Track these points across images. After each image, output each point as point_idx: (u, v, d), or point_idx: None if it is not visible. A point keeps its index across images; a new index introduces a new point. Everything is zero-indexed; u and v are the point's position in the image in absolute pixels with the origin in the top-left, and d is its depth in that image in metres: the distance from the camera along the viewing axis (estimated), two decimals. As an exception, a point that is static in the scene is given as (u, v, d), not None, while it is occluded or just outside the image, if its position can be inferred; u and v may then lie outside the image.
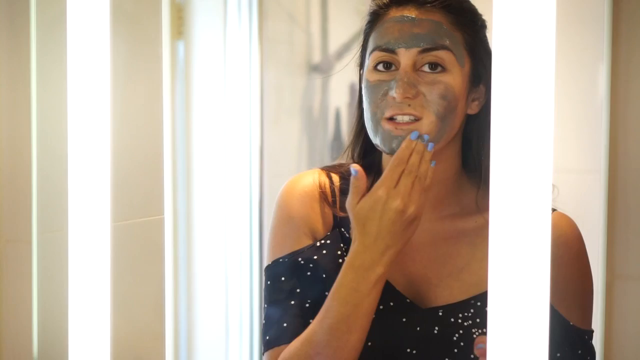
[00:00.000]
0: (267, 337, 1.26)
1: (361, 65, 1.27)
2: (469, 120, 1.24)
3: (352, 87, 2.83)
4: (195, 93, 2.51)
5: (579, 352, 1.15)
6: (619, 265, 0.90)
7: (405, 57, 1.18)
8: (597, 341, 0.93)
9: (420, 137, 1.16)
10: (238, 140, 2.58)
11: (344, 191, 1.29)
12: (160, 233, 1.19)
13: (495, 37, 0.85)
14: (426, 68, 1.18)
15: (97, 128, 1.05)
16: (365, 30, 1.26)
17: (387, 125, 1.18)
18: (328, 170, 1.33)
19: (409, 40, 1.18)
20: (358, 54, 1.28)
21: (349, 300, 1.17)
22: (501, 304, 0.85)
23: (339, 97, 2.75)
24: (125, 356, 1.08)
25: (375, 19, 1.24)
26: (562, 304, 1.17)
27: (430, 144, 1.16)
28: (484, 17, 1.24)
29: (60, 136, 1.06)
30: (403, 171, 1.16)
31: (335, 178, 1.31)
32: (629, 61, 0.89)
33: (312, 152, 2.80)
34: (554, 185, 1.23)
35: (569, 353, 1.17)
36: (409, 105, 1.17)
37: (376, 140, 1.21)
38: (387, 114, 1.18)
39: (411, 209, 1.15)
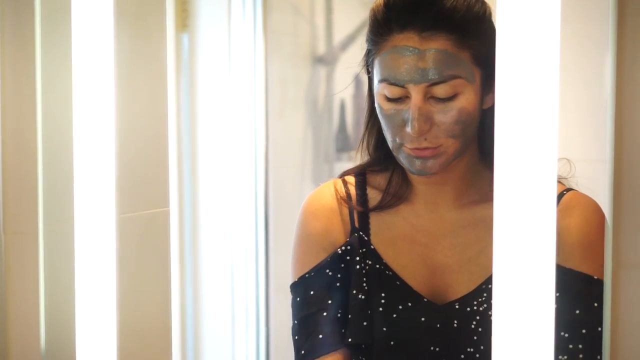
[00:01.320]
0: (303, 352, 1.26)
1: (367, 67, 1.25)
2: (483, 112, 1.22)
3: (357, 79, 2.82)
4: (200, 85, 2.51)
5: None
6: (625, 254, 0.90)
7: (415, 91, 1.16)
8: (603, 329, 0.93)
9: None
10: (243, 132, 2.59)
11: (360, 187, 1.31)
12: (166, 225, 1.19)
13: (500, 28, 0.85)
14: (437, 96, 1.16)
15: (102, 120, 1.05)
16: (368, 45, 1.22)
17: (410, 151, 1.19)
18: (344, 174, 1.34)
19: (415, 76, 1.16)
20: (364, 58, 1.25)
21: None
22: (506, 287, 0.85)
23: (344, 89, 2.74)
24: (132, 348, 1.08)
25: (376, 38, 1.20)
26: (589, 264, 1.17)
27: None
28: (487, 7, 1.20)
29: (65, 129, 1.06)
30: None
31: (350, 179, 1.32)
32: (634, 49, 0.89)
33: (317, 144, 2.80)
34: (569, 160, 1.24)
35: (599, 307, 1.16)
36: (425, 139, 1.17)
37: (399, 157, 1.21)
38: (408, 145, 1.18)
39: None
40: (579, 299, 1.16)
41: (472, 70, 1.17)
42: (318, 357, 1.25)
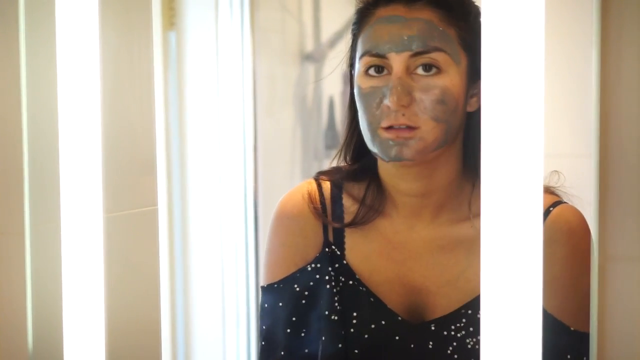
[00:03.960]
0: None
1: (351, 65, 1.22)
2: (467, 118, 1.19)
3: (345, 76, 2.83)
4: (188, 84, 2.51)
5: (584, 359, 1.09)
6: (611, 247, 0.90)
7: (397, 61, 1.12)
8: (591, 322, 0.93)
9: None
10: (232, 130, 2.58)
11: (336, 199, 1.26)
12: (155, 224, 1.19)
13: (484, 21, 0.85)
14: (420, 70, 1.12)
15: (89, 119, 1.04)
16: (353, 30, 1.21)
17: (385, 134, 1.13)
18: (321, 178, 1.29)
19: (399, 44, 1.12)
20: (347, 54, 1.23)
21: None
22: (493, 308, 0.85)
23: (333, 85, 2.74)
24: (121, 348, 1.08)
25: (362, 18, 1.18)
26: (568, 311, 1.13)
27: None
28: (477, 4, 1.19)
29: (51, 128, 1.06)
30: None
31: (327, 187, 1.27)
32: (618, 44, 0.89)
33: (306, 141, 2.80)
34: (558, 172, 1.21)
35: None
36: (403, 114, 1.11)
37: (374, 148, 1.16)
38: (384, 124, 1.13)
39: None
40: (554, 349, 1.11)
41: (457, 51, 1.14)
42: None
